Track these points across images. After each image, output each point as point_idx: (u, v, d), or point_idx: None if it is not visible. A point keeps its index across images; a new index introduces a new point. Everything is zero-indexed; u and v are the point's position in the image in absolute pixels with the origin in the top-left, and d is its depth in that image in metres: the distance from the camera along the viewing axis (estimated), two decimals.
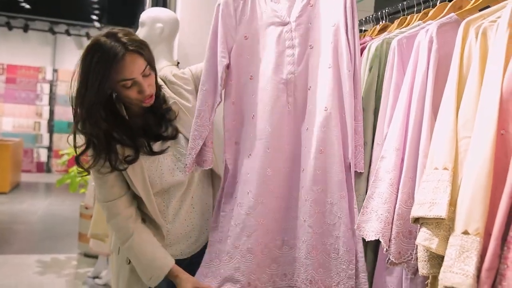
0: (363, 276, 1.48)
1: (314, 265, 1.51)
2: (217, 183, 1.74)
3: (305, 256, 1.52)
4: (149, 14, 2.46)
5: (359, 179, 1.53)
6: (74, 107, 1.47)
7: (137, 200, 1.63)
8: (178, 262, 1.61)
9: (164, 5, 3.06)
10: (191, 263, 1.67)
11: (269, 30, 1.59)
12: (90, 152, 1.52)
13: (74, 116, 1.48)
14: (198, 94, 1.60)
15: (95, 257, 4.32)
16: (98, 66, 1.40)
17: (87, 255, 4.65)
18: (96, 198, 1.65)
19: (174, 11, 2.94)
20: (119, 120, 1.56)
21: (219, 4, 1.59)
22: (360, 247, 1.49)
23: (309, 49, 1.57)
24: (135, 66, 1.46)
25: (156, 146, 1.63)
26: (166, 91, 1.68)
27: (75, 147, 1.51)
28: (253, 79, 1.59)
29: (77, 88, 1.44)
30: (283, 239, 1.59)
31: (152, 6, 3.19)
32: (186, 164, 1.59)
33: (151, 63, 1.52)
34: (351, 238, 1.49)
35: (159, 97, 1.63)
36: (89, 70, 1.41)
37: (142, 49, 1.49)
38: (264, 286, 1.56)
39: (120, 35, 1.45)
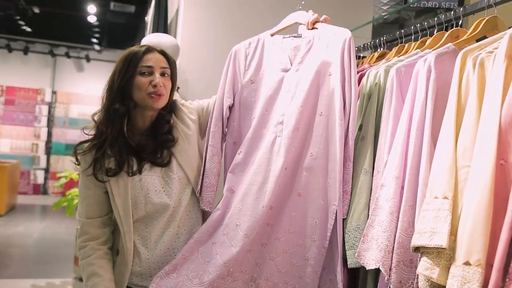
0: None
1: None
2: (208, 213, 1.69)
3: None
4: (150, 39, 2.49)
5: (358, 206, 1.53)
6: (102, 98, 1.62)
7: (114, 226, 1.64)
8: None
9: (165, 30, 3.10)
10: None
11: (273, 75, 1.65)
12: (95, 133, 1.62)
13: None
14: (212, 131, 1.67)
15: None
16: (127, 59, 1.59)
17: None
18: (77, 212, 1.68)
19: (175, 36, 2.97)
20: (119, 133, 1.60)
21: (233, 51, 1.70)
22: None
23: (304, 94, 1.57)
24: (155, 59, 1.61)
25: (145, 167, 1.63)
26: (172, 116, 1.70)
27: (95, 124, 1.62)
28: (254, 120, 1.64)
29: (108, 81, 1.61)
30: (252, 275, 1.58)
31: (153, 31, 3.22)
32: (208, 200, 1.67)
33: (173, 72, 1.65)
34: (316, 279, 1.55)
35: (168, 120, 1.66)
36: (120, 63, 1.60)
37: (169, 57, 1.66)
38: None
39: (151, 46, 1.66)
